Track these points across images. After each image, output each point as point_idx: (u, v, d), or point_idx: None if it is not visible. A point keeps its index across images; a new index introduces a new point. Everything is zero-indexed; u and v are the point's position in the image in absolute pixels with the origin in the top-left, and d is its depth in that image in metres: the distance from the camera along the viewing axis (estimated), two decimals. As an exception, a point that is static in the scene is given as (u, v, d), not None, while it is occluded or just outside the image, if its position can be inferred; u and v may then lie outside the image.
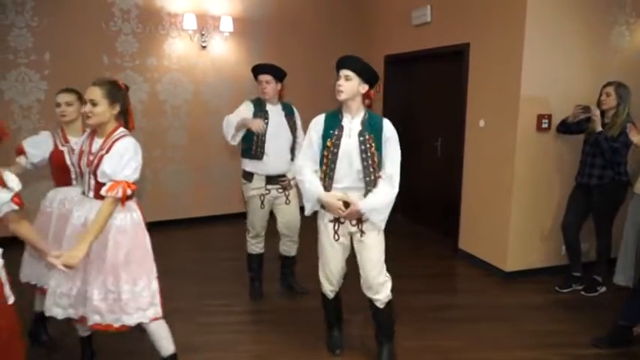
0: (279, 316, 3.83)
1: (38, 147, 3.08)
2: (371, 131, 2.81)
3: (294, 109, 4.00)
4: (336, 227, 2.92)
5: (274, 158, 3.86)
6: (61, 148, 3.09)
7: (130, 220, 2.59)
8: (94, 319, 2.54)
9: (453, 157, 5.36)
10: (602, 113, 4.03)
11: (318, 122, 2.92)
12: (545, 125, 4.43)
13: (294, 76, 4.57)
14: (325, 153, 2.86)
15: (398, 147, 2.86)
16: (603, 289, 4.27)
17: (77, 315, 2.61)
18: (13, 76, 5.25)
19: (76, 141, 3.00)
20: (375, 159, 2.81)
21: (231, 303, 4.01)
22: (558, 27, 4.31)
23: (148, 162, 5.95)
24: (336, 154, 2.82)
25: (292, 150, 3.96)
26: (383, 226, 2.88)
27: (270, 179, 3.91)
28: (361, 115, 2.86)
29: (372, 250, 2.91)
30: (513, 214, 4.52)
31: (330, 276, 3.06)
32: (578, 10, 4.35)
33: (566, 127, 4.31)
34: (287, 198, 3.96)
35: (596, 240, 4.25)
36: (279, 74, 3.85)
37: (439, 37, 5.34)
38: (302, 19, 6.55)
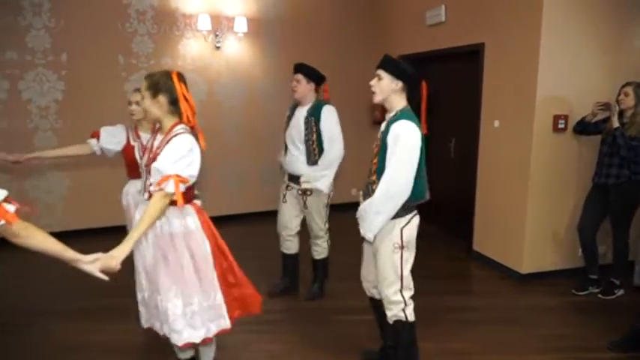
0: (296, 316, 3.83)
1: (113, 135, 3.41)
2: (383, 133, 2.67)
3: (323, 113, 3.82)
4: None
5: (290, 158, 3.95)
6: (132, 143, 3.36)
7: (183, 227, 2.47)
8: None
9: (467, 158, 5.32)
10: (621, 113, 3.97)
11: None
12: (561, 126, 4.38)
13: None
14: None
15: (402, 150, 2.54)
16: (620, 292, 4.21)
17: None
18: (30, 76, 5.32)
19: (146, 137, 3.19)
20: (375, 161, 2.70)
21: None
22: (575, 26, 4.26)
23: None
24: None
25: (311, 153, 3.90)
26: (368, 235, 2.67)
27: (291, 177, 3.98)
28: (391, 115, 2.71)
29: (380, 261, 2.74)
30: (529, 215, 4.47)
31: (361, 276, 3.04)
32: (594, 9, 4.29)
33: (583, 127, 4.26)
34: (305, 203, 3.96)
35: (613, 242, 4.19)
36: (310, 74, 3.83)
37: (454, 37, 5.31)
38: (316, 19, 6.55)
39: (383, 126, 2.73)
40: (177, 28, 5.91)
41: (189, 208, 2.49)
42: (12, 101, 5.28)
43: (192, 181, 2.41)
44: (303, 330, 3.60)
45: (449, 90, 5.86)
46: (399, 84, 2.67)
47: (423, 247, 5.37)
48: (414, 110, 2.72)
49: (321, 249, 4.09)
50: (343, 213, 4.80)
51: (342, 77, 6.41)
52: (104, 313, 3.80)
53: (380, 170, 2.64)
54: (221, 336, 3.41)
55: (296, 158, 3.91)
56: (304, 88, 3.84)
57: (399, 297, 2.73)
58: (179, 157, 2.34)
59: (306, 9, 6.49)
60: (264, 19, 6.28)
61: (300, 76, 3.84)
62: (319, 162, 3.84)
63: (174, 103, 2.44)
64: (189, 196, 2.46)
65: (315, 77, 3.88)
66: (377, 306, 3.00)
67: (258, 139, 6.36)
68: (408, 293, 2.76)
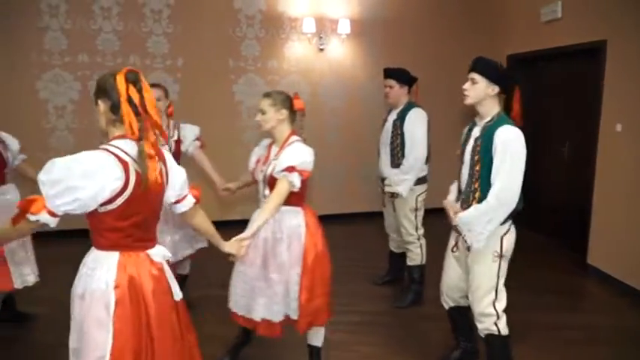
0: (395, 319, 3.79)
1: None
2: (484, 138, 2.55)
3: (408, 115, 3.78)
4: (457, 239, 2.78)
5: (380, 160, 4.03)
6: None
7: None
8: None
9: (583, 163, 4.93)
10: None
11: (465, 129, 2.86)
12: (696, 130, 3.92)
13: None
14: (458, 162, 2.79)
15: (513, 157, 2.45)
16: None
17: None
18: (150, 79, 5.72)
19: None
20: (477, 168, 2.57)
21: (350, 302, 4.02)
22: None
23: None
24: (461, 161, 2.72)
25: (395, 156, 3.87)
26: (475, 245, 2.57)
27: (382, 180, 4.03)
28: (486, 119, 2.62)
29: (477, 271, 2.64)
30: (654, 228, 4.05)
31: (442, 286, 2.96)
32: None
33: None
34: (392, 204, 3.96)
35: None
36: (401, 77, 3.82)
37: (571, 34, 4.95)
38: (420, 19, 6.42)
39: (477, 131, 2.64)
40: (283, 32, 6.08)
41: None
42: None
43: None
44: (397, 335, 3.55)
45: (563, 91, 5.48)
46: (496, 89, 2.57)
47: (528, 259, 5.12)
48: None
49: (413, 255, 3.99)
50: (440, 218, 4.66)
51: (445, 78, 6.23)
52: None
53: (484, 177, 2.54)
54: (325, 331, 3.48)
55: (383, 162, 3.97)
56: (397, 92, 3.85)
57: (491, 309, 2.63)
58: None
59: (410, 9, 6.38)
60: (367, 20, 6.28)
61: (392, 81, 3.84)
62: (401, 166, 3.82)
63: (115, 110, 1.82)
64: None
65: (407, 80, 3.85)
66: (458, 315, 2.95)
67: (360, 139, 6.36)
68: (502, 305, 2.65)
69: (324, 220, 6.40)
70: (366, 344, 3.42)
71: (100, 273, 1.79)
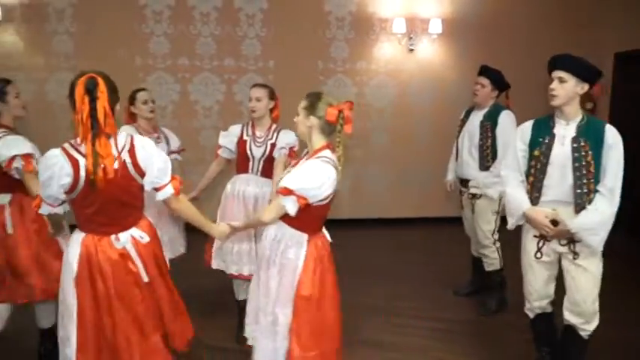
0: (472, 327, 3.69)
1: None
2: (588, 138, 2.49)
3: (500, 118, 3.69)
4: (540, 245, 2.68)
5: (461, 162, 3.94)
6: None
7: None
8: None
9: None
10: None
11: (524, 130, 2.73)
12: None
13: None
14: (532, 163, 2.65)
15: (621, 157, 2.50)
16: None
17: None
18: (243, 81, 5.96)
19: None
20: (592, 169, 2.48)
21: (424, 307, 3.98)
22: None
23: (351, 162, 6.24)
24: (545, 165, 2.59)
25: (485, 158, 3.77)
26: (600, 248, 2.55)
27: (462, 181, 3.96)
28: (577, 119, 2.55)
29: (589, 276, 2.60)
30: None
31: (527, 295, 2.85)
32: None
33: None
34: (473, 207, 3.86)
35: None
36: (497, 80, 3.73)
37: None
38: (515, 17, 6.16)
39: (568, 131, 2.55)
40: (373, 32, 6.09)
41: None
42: (227, 103, 5.98)
43: None
44: (478, 343, 3.45)
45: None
46: (585, 87, 2.48)
47: (634, 271, 4.73)
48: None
49: (490, 260, 3.88)
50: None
51: (538, 79, 5.92)
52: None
53: (597, 179, 2.50)
54: (396, 337, 3.48)
55: (467, 163, 3.86)
56: (487, 92, 3.75)
57: (597, 305, 2.65)
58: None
59: (503, 7, 6.15)
60: (460, 19, 6.12)
61: (485, 80, 3.75)
62: (491, 168, 3.71)
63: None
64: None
65: (500, 83, 3.75)
66: (544, 322, 2.86)
67: (448, 142, 6.21)
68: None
69: (406, 223, 6.42)
70: (445, 351, 3.36)
71: (69, 249, 2.19)
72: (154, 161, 2.17)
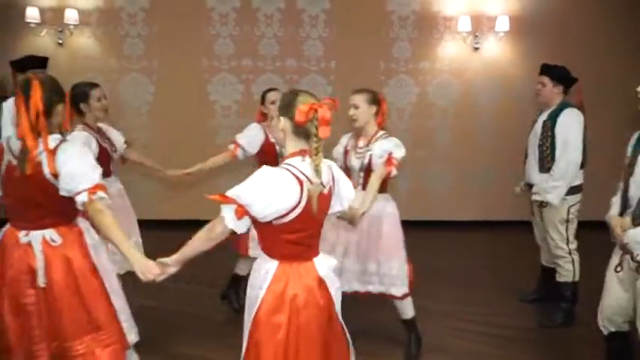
0: (543, 338, 3.54)
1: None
2: None
3: (561, 116, 3.50)
4: (622, 258, 2.51)
5: (527, 164, 3.78)
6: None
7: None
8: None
9: None
10: None
11: (633, 138, 2.59)
12: None
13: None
14: (623, 172, 2.53)
15: None
16: None
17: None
18: (305, 81, 6.01)
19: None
20: None
21: (487, 313, 3.87)
22: None
23: (412, 162, 6.15)
24: (629, 172, 2.46)
25: (544, 159, 3.58)
26: None
27: (530, 186, 3.76)
28: None
29: None
30: None
31: (601, 308, 2.69)
32: None
33: None
34: (541, 215, 3.68)
35: None
36: (558, 76, 3.55)
37: None
38: (588, 12, 5.87)
39: None
40: (437, 31, 5.98)
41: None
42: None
43: None
44: (542, 354, 3.32)
45: None
46: None
47: None
48: None
49: (563, 270, 3.63)
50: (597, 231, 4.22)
51: (610, 77, 5.62)
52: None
53: None
54: (457, 341, 3.40)
55: (531, 166, 3.70)
56: (549, 91, 3.59)
57: None
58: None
59: (573, 4, 5.88)
60: (529, 16, 5.90)
61: (545, 79, 3.59)
62: (551, 171, 3.50)
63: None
64: None
65: (562, 79, 3.54)
66: (619, 341, 2.67)
67: (514, 143, 5.99)
68: None
69: (469, 226, 6.26)
70: (504, 358, 3.25)
71: None
72: (69, 166, 2.11)
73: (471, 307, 3.95)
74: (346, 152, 3.18)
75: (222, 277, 3.87)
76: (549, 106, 3.62)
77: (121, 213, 2.92)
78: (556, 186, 3.46)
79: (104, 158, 3.25)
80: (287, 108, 1.95)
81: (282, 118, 1.98)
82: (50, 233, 2.20)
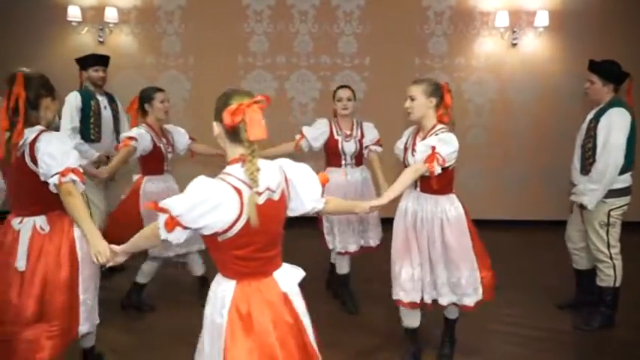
0: (582, 341, 3.46)
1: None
2: None
3: (605, 115, 3.37)
4: None
5: (573, 164, 3.67)
6: (336, 137, 3.72)
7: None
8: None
9: None
10: None
11: None
12: None
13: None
14: None
15: None
16: None
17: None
18: (339, 77, 6.00)
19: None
20: None
21: (524, 315, 3.80)
22: None
23: (447, 160, 6.08)
24: None
25: (586, 160, 3.47)
26: None
27: (574, 186, 3.65)
28: None
29: None
30: None
31: None
32: None
33: None
34: (582, 216, 3.59)
35: None
36: (607, 74, 3.40)
37: None
38: (633, 5, 5.67)
39: None
40: (474, 27, 5.88)
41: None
42: (323, 100, 6.06)
43: None
44: (578, 357, 3.26)
45: None
46: None
47: None
48: None
49: (603, 275, 3.50)
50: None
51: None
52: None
53: None
54: (491, 343, 3.36)
55: (574, 166, 3.61)
56: (598, 89, 3.45)
57: None
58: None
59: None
60: (569, 11, 5.74)
61: (593, 76, 3.45)
62: (590, 173, 3.38)
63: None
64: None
65: (612, 76, 3.39)
66: None
67: (552, 141, 5.87)
68: None
69: (504, 225, 6.15)
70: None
71: None
72: (45, 152, 2.26)
73: (506, 308, 3.87)
74: (405, 149, 2.98)
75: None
76: (599, 104, 3.49)
77: None
78: (592, 189, 3.35)
79: (157, 155, 3.61)
80: (218, 111, 1.79)
81: (214, 123, 1.82)
82: (41, 220, 2.38)
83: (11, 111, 2.30)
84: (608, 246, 3.44)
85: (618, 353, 3.26)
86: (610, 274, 3.46)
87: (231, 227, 1.69)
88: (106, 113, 4.31)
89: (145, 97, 3.62)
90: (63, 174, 2.25)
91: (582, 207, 3.47)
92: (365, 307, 3.82)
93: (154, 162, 3.63)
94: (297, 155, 3.68)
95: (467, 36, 5.90)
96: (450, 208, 2.87)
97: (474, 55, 5.93)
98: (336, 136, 3.74)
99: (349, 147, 3.74)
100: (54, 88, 2.46)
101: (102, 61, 4.30)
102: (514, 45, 5.83)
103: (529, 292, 4.19)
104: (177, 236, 1.71)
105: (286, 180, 1.88)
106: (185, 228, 1.69)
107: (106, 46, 5.81)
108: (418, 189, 2.88)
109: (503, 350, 3.29)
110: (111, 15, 5.71)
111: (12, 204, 2.47)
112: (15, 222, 2.40)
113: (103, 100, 4.31)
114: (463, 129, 6.06)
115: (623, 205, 3.43)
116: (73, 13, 5.64)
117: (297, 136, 3.82)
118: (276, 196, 1.80)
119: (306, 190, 1.93)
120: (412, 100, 2.82)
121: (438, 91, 2.84)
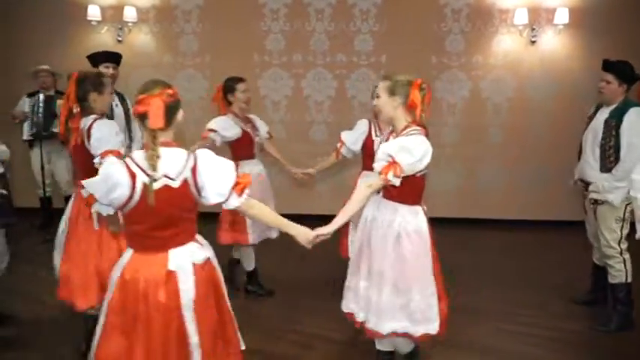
0: (588, 340, 3.42)
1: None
2: None
3: (627, 115, 3.36)
4: None
5: (582, 162, 3.65)
6: (374, 138, 3.62)
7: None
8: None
9: None
10: None
11: None
12: None
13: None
14: None
15: None
16: None
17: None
18: (355, 75, 5.99)
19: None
20: None
21: (540, 315, 3.75)
22: None
23: (462, 159, 6.03)
24: None
25: (606, 159, 3.45)
26: None
27: (584, 184, 3.65)
28: None
29: None
30: None
31: None
32: None
33: None
34: (595, 213, 3.55)
35: None
36: (623, 74, 3.40)
37: None
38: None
39: None
40: (492, 25, 5.82)
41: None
42: (339, 99, 6.05)
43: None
44: (594, 358, 3.20)
45: None
46: None
47: None
48: None
49: (614, 271, 3.49)
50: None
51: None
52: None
53: None
54: (504, 343, 3.33)
55: (588, 164, 3.57)
56: (614, 88, 3.44)
57: None
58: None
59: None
60: (589, 8, 5.65)
61: (609, 76, 3.43)
62: (613, 171, 3.38)
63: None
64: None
65: (628, 77, 3.40)
66: None
67: (569, 140, 5.77)
68: None
69: (520, 225, 6.09)
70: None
71: None
72: (94, 137, 2.71)
73: (522, 308, 3.84)
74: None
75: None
76: (611, 104, 3.49)
77: (258, 196, 2.94)
78: (619, 187, 3.35)
79: (246, 141, 3.84)
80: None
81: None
82: None
83: (69, 104, 2.79)
84: (620, 241, 3.46)
85: (635, 356, 3.20)
86: (621, 270, 3.48)
87: (126, 204, 1.92)
88: (118, 111, 4.24)
89: (228, 87, 3.80)
90: (102, 156, 2.64)
91: (597, 203, 3.48)
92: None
93: (244, 147, 3.84)
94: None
95: (485, 33, 5.85)
96: (411, 219, 2.53)
97: (491, 52, 5.87)
98: (373, 137, 3.63)
99: None
100: (103, 84, 2.88)
101: (113, 58, 4.25)
102: (533, 43, 5.76)
103: (545, 292, 4.14)
104: (101, 209, 2.08)
105: (194, 170, 1.96)
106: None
107: (125, 45, 5.88)
108: (381, 194, 2.61)
109: (521, 351, 3.25)
110: (130, 14, 5.78)
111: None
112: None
113: (114, 98, 4.23)
114: (480, 128, 6.02)
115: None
116: (93, 12, 5.73)
117: (338, 144, 3.81)
118: (175, 184, 1.94)
119: (212, 183, 1.98)
120: (377, 97, 2.62)
121: (403, 89, 2.54)
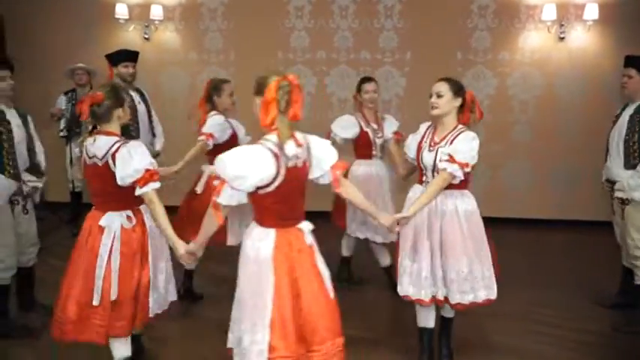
0: (616, 343, 3.35)
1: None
2: None
3: None
4: None
5: (610, 159, 3.61)
6: (365, 129, 3.88)
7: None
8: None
9: None
10: None
11: None
12: None
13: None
14: None
15: None
16: None
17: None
18: (380, 73, 5.96)
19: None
20: None
21: (566, 316, 3.69)
22: None
23: (488, 157, 5.95)
24: None
25: (630, 155, 3.39)
26: None
27: (611, 184, 3.58)
28: None
29: None
30: None
31: None
32: None
33: None
34: (622, 212, 3.48)
35: None
36: None
37: None
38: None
39: None
40: (519, 21, 5.74)
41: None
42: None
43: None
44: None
45: None
46: None
47: None
48: None
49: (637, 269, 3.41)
50: None
51: None
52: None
53: None
54: (532, 345, 3.28)
55: (615, 162, 3.52)
56: (636, 84, 3.41)
57: None
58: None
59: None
60: (619, 4, 5.52)
61: (632, 71, 3.41)
62: (638, 167, 3.31)
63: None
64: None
65: None
66: None
67: (598, 139, 5.65)
68: None
69: (548, 225, 6.00)
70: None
71: None
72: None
73: (547, 309, 3.79)
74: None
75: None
76: (636, 99, 3.44)
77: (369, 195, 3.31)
78: None
79: (364, 141, 3.94)
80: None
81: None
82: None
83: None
84: None
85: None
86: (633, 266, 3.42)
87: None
88: (141, 108, 4.29)
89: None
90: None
91: (624, 202, 3.41)
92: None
93: (362, 147, 3.96)
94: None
95: (511, 30, 5.77)
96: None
97: (518, 49, 5.79)
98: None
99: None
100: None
101: (132, 57, 4.26)
102: (561, 39, 5.66)
103: (572, 292, 4.08)
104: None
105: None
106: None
107: (152, 42, 5.97)
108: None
109: (546, 352, 3.21)
110: (156, 12, 5.86)
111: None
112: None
113: (135, 96, 4.27)
114: (506, 125, 5.94)
115: None
116: (121, 10, 5.82)
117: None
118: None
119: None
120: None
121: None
